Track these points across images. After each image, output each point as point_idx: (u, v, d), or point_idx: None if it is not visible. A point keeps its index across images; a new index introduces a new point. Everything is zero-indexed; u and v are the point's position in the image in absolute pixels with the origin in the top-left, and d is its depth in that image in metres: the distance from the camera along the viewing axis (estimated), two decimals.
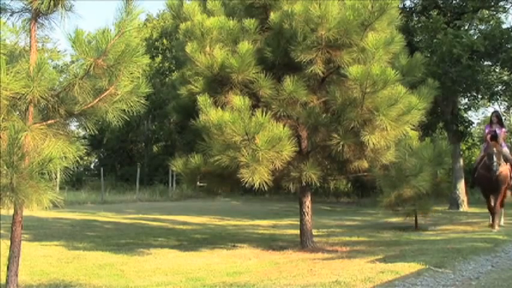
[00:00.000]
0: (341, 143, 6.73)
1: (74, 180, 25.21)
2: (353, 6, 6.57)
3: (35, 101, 3.81)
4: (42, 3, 3.86)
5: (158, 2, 30.04)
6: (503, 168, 9.58)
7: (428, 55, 14.45)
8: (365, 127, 6.58)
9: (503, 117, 10.38)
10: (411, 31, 15.75)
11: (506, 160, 9.75)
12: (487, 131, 10.25)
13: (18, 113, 3.90)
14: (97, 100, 4.02)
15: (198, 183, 8.09)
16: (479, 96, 17.75)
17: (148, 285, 5.33)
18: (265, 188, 6.41)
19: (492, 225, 9.76)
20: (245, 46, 6.82)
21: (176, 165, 7.48)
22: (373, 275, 5.25)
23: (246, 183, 6.30)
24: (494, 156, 9.35)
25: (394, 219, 11.30)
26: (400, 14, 7.28)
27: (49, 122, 3.98)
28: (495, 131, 9.92)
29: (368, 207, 16.27)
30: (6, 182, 3.54)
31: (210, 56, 7.14)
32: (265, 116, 6.25)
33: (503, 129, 10.33)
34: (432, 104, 7.80)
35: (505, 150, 10.00)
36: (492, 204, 9.83)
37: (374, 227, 11.13)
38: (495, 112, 11.00)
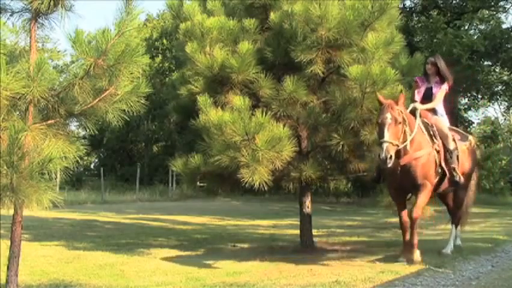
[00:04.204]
0: (341, 143, 6.73)
1: (74, 180, 25.19)
2: (353, 6, 6.57)
3: (35, 101, 3.80)
4: (42, 3, 3.86)
5: (158, 2, 30.06)
6: (423, 153, 5.92)
7: (428, 55, 14.46)
8: (365, 127, 6.59)
9: (440, 68, 6.61)
10: (411, 31, 15.78)
11: (433, 136, 6.20)
12: (418, 85, 6.66)
13: (18, 113, 3.90)
14: (97, 100, 4.02)
15: (198, 183, 8.09)
16: (479, 96, 17.80)
17: (148, 285, 5.32)
18: (265, 188, 6.41)
19: (405, 253, 6.14)
20: (245, 46, 6.82)
21: (176, 165, 7.47)
22: (373, 275, 5.25)
23: (246, 183, 6.29)
24: (385, 131, 5.47)
25: (394, 219, 11.26)
26: (400, 14, 7.28)
27: (49, 122, 3.98)
28: (431, 88, 6.53)
29: (368, 207, 16.26)
30: (6, 182, 3.54)
31: (210, 56, 7.13)
32: (265, 116, 6.25)
33: (445, 86, 6.55)
34: None
35: (439, 120, 6.43)
36: (405, 217, 6.18)
37: (374, 227, 11.13)
38: (431, 58, 6.85)
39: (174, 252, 7.68)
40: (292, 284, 4.95)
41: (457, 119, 17.19)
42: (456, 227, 7.12)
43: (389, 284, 4.90)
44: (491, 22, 17.09)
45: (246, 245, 8.32)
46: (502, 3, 16.85)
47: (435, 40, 14.99)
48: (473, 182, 7.28)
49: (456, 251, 6.76)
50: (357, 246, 7.86)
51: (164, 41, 30.23)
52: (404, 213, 6.24)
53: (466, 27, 16.02)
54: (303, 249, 7.59)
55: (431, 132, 6.20)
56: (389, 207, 9.48)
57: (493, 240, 7.85)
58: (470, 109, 20.73)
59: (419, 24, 16.65)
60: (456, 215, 7.12)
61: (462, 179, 6.37)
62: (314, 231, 8.37)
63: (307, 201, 7.84)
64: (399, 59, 7.44)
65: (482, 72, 15.60)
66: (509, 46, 15.09)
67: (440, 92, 6.54)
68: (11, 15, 4.06)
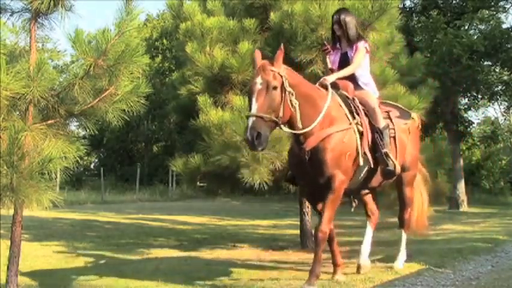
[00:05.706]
0: None
1: (74, 180, 25.22)
2: (353, 6, 6.58)
3: (35, 101, 3.81)
4: (42, 3, 3.87)
5: (158, 2, 30.09)
6: (334, 130, 4.49)
7: (428, 55, 14.49)
8: None
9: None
10: (411, 31, 15.79)
11: (354, 112, 4.73)
12: (332, 57, 5.18)
13: (18, 113, 3.91)
14: (97, 100, 4.02)
15: (198, 183, 8.09)
16: (479, 96, 17.80)
17: (148, 285, 5.32)
18: (265, 188, 6.41)
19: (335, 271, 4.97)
20: (245, 46, 6.82)
21: (176, 165, 7.48)
22: (373, 275, 5.25)
23: (246, 183, 6.30)
24: (253, 101, 4.10)
25: (394, 219, 11.26)
26: (400, 14, 7.29)
27: (49, 122, 3.98)
28: (346, 54, 5.09)
29: None
30: (6, 182, 3.54)
31: (210, 56, 7.14)
32: None
33: (362, 44, 5.07)
34: (432, 104, 7.80)
35: (363, 93, 4.98)
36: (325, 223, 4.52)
37: None
38: (336, 16, 5.15)
39: (174, 252, 7.68)
40: (292, 284, 4.95)
41: (457, 119, 17.18)
42: (405, 231, 5.86)
43: (389, 284, 4.90)
44: (491, 22, 17.10)
45: (246, 245, 8.31)
46: (502, 3, 16.87)
47: (435, 40, 15.00)
48: (420, 177, 5.94)
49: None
50: (357, 246, 7.83)
51: (164, 41, 30.27)
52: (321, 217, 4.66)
53: (466, 27, 16.03)
54: (303, 249, 7.59)
55: (352, 108, 4.72)
56: (389, 207, 9.50)
57: (493, 240, 7.85)
58: (470, 109, 20.70)
59: (419, 24, 16.66)
60: (404, 217, 5.88)
61: (398, 169, 4.90)
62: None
63: (308, 201, 7.83)
64: (399, 59, 7.44)
65: (482, 72, 15.61)
66: (509, 46, 15.11)
67: (358, 53, 5.00)
68: (11, 15, 4.07)
